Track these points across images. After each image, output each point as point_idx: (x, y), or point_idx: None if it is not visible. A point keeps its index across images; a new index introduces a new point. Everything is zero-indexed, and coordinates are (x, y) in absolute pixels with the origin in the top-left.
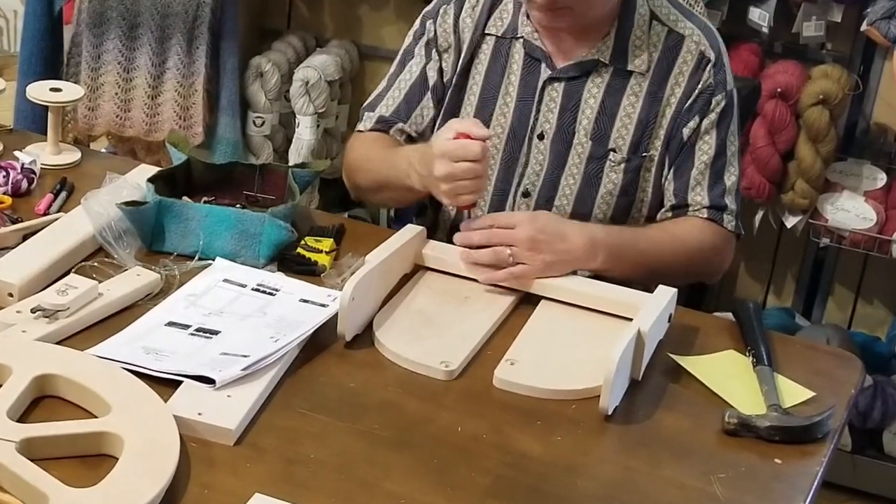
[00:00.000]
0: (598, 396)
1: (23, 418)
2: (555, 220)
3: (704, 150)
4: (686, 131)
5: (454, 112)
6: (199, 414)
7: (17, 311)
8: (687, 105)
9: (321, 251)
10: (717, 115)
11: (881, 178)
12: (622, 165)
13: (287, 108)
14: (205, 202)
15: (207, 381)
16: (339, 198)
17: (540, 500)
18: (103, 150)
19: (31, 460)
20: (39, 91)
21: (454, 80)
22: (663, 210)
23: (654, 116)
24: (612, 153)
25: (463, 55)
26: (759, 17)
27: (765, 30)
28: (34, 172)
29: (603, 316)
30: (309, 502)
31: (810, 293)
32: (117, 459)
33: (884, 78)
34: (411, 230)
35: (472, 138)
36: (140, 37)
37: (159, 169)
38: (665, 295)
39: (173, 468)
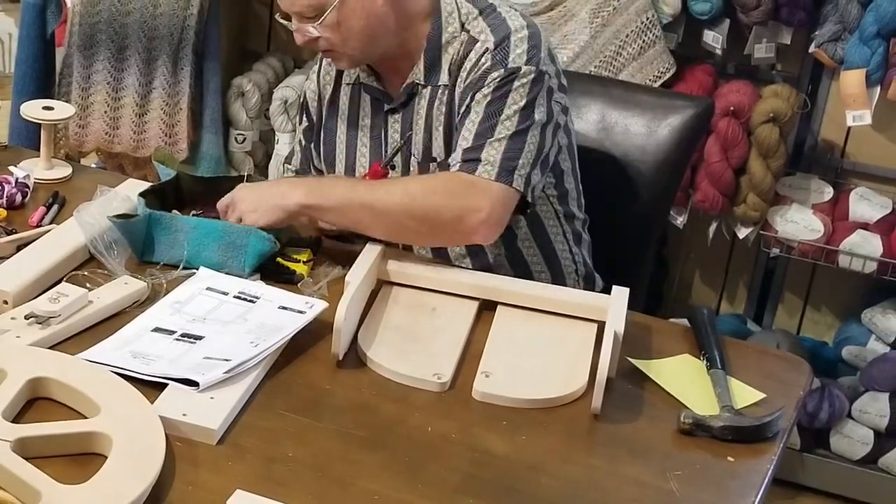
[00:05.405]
0: (572, 401)
1: (17, 419)
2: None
3: (472, 119)
4: (462, 108)
5: (330, 156)
6: (184, 415)
7: (12, 318)
8: (465, 88)
9: (299, 261)
10: (490, 89)
11: (828, 192)
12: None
13: (267, 125)
14: (193, 215)
15: (192, 383)
16: None
17: (506, 496)
18: (93, 166)
19: (25, 459)
20: (33, 109)
21: (323, 122)
22: None
23: (454, 117)
24: (432, 162)
25: (326, 98)
26: (713, 39)
27: (718, 51)
28: (28, 186)
29: (560, 318)
30: (287, 499)
31: (761, 300)
32: (106, 458)
33: (831, 97)
34: (373, 248)
35: None
36: (128, 58)
37: (150, 184)
38: (622, 296)
39: (159, 466)
